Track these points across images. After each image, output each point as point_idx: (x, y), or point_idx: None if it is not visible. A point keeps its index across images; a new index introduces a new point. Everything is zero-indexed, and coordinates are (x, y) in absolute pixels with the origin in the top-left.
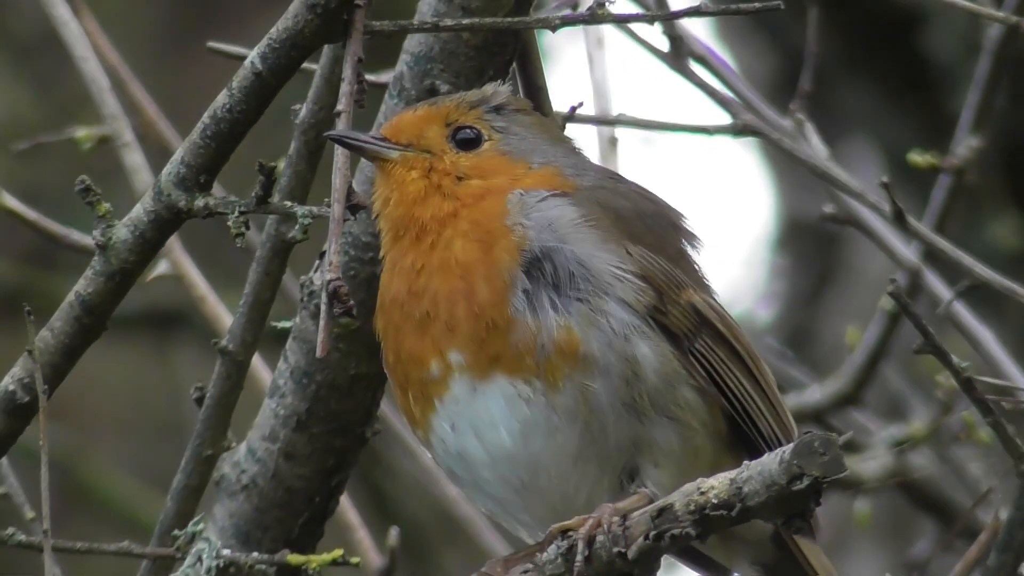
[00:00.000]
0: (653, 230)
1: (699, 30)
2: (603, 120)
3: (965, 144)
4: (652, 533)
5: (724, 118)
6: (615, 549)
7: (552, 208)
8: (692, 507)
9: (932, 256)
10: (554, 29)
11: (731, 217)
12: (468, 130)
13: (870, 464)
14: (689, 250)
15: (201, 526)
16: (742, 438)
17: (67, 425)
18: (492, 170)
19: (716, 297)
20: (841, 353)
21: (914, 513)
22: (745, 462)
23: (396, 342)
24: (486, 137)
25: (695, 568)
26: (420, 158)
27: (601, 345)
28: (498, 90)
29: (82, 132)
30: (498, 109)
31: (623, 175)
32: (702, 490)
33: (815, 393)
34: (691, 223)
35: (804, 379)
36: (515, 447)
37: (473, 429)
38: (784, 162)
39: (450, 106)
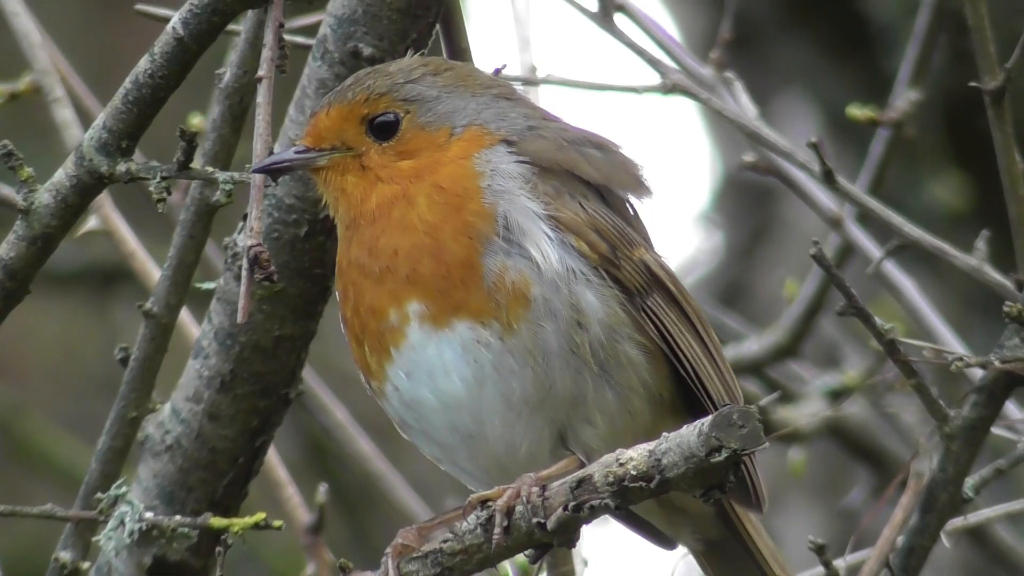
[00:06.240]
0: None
1: None
2: (529, 80)
3: (904, 97)
4: (571, 504)
5: (654, 77)
6: (534, 520)
7: (510, 165)
8: (611, 478)
9: (865, 217)
10: None
11: (668, 173)
12: (384, 115)
13: (804, 413)
14: (639, 209)
15: (124, 489)
16: (689, 404)
17: (3, 381)
18: (416, 148)
19: (665, 260)
20: (777, 307)
21: (849, 466)
22: (664, 434)
23: (355, 297)
24: (401, 115)
25: (642, 535)
26: (348, 159)
27: (549, 289)
28: (401, 64)
29: None
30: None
31: (558, 117)
32: (621, 461)
33: (753, 345)
34: (644, 172)
35: (742, 330)
36: (467, 394)
37: (428, 376)
38: (718, 117)
39: (360, 100)
